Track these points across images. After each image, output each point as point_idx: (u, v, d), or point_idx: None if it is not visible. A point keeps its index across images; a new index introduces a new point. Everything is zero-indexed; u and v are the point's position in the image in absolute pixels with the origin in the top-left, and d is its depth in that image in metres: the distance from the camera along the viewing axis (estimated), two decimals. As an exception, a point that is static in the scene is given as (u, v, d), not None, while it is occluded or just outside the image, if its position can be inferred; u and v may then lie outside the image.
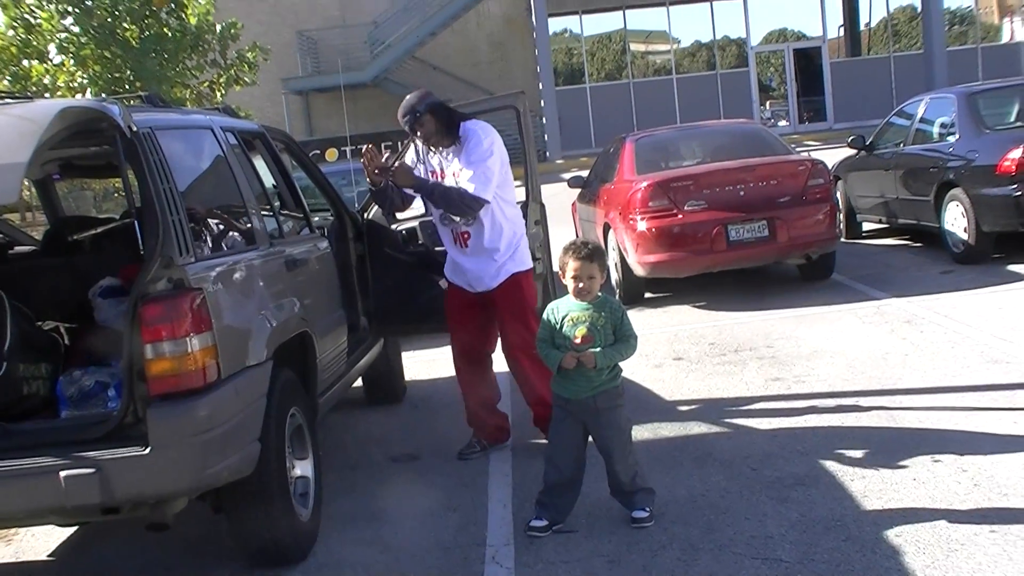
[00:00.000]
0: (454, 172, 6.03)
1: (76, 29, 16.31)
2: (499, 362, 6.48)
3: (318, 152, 29.27)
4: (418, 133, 6.03)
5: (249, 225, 5.35)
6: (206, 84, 17.66)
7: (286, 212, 6.76)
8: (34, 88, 14.78)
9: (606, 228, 11.23)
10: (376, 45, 35.86)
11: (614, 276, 11.08)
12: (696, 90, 35.58)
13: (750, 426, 6.40)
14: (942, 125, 11.53)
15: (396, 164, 6.10)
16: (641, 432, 6.25)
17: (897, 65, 35.97)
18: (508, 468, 6.14)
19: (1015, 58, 36.11)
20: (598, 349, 4.95)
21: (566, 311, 5.07)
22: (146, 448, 4.14)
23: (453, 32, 36.10)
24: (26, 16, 16.35)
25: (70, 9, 16.28)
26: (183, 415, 4.22)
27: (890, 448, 5.68)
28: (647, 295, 10.97)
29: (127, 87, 15.00)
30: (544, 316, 5.17)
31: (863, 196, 13.03)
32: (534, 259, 6.67)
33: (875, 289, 10.05)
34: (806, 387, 7.12)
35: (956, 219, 10.65)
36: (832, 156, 14.32)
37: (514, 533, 5.13)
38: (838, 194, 12.89)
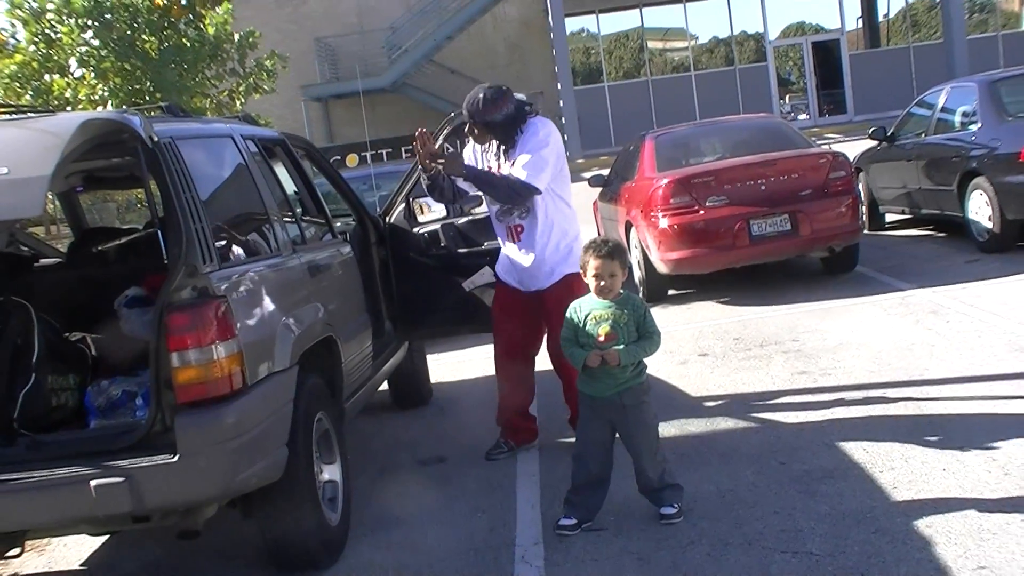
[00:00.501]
0: (510, 163, 6.06)
1: (96, 43, 16.43)
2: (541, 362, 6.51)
3: (339, 158, 29.41)
4: (475, 133, 6.10)
5: (271, 232, 5.37)
6: (225, 93, 17.75)
7: (308, 218, 6.79)
8: (56, 102, 14.89)
9: (628, 226, 11.23)
10: (393, 50, 35.94)
11: (637, 274, 11.07)
12: (715, 86, 35.49)
13: (777, 420, 6.38)
14: (964, 114, 11.46)
15: (447, 151, 6.09)
16: (668, 429, 6.24)
17: (917, 55, 35.77)
18: (535, 468, 6.14)
19: (1036, 45, 35.87)
20: (622, 347, 4.95)
21: (589, 309, 5.07)
22: (175, 456, 4.16)
23: (470, 35, 36.13)
24: (47, 31, 16.48)
25: (90, 23, 16.38)
26: (211, 423, 4.24)
27: (918, 439, 5.66)
28: (671, 292, 10.96)
29: (147, 98, 15.09)
30: (567, 315, 5.17)
31: (885, 187, 12.97)
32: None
33: (900, 280, 10.00)
34: (832, 380, 7.09)
35: (980, 208, 10.59)
36: (853, 148, 14.29)
37: (543, 532, 5.13)
38: (860, 186, 12.84)
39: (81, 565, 5.73)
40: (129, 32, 16.55)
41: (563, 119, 33.59)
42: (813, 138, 13.06)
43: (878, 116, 26.24)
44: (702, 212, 10.11)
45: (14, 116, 4.90)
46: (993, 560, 4.15)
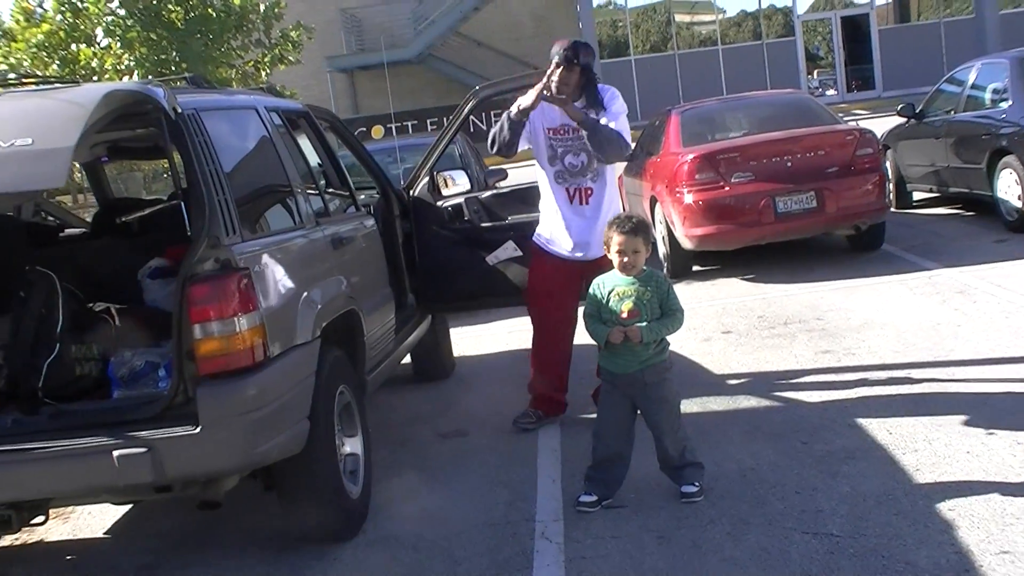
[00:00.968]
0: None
1: (122, 12, 16.45)
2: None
3: (364, 130, 29.42)
4: (566, 77, 5.97)
5: (295, 205, 5.37)
6: (251, 64, 17.74)
7: (332, 191, 6.78)
8: (82, 71, 14.92)
9: (653, 201, 11.18)
10: (419, 22, 35.87)
11: (661, 250, 11.04)
12: (742, 61, 35.25)
13: (800, 399, 6.35)
14: (994, 91, 11.33)
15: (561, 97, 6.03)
16: (690, 406, 6.22)
17: (947, 31, 35.37)
18: (557, 444, 6.14)
19: (1069, 21, 35.44)
20: (644, 324, 4.93)
21: (612, 286, 5.05)
22: (196, 427, 4.18)
23: (496, 7, 36.01)
24: (73, 1, 16.48)
25: (116, -7, 16.42)
26: (232, 394, 4.25)
27: (942, 421, 5.62)
28: (695, 268, 10.91)
29: (173, 68, 15.10)
30: (590, 291, 5.15)
31: (913, 165, 12.85)
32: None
33: (926, 259, 9.92)
34: (856, 359, 7.05)
35: (1009, 187, 10.47)
36: (881, 125, 14.17)
37: (563, 509, 5.13)
38: (887, 163, 12.74)
39: (105, 533, 5.77)
40: (155, 2, 16.56)
41: (589, 92, 33.48)
42: (841, 114, 12.93)
43: (907, 92, 26.02)
44: (727, 188, 10.06)
45: (39, 87, 4.91)
46: (1016, 545, 4.12)
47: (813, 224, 10.24)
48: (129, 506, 5.85)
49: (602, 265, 5.95)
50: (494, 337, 9.10)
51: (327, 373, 4.94)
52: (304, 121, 6.39)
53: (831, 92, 36.48)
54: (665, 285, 5.07)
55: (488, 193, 7.02)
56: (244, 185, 5.03)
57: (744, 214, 10.02)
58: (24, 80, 5.71)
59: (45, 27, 16.28)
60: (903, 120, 13.09)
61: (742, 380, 6.97)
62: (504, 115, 6.13)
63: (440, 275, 7.03)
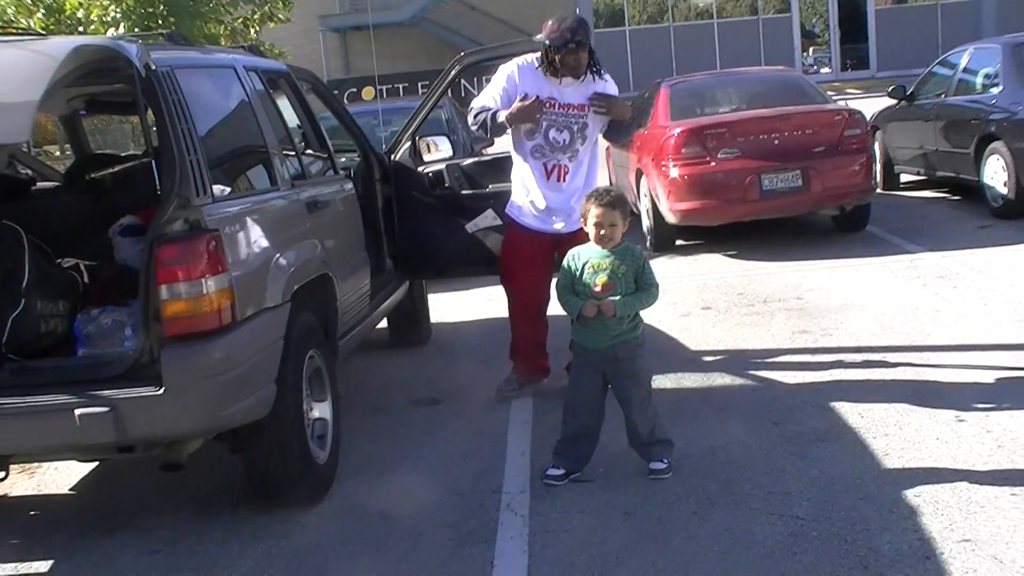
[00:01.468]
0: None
1: (111, -37, 16.21)
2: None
3: (355, 90, 29.19)
4: (579, 58, 5.92)
5: (270, 167, 5.30)
6: (240, 21, 17.53)
7: (310, 153, 6.71)
8: (68, 21, 14.71)
9: (639, 174, 11.13)
10: (415, -17, 35.62)
11: (645, 223, 11.00)
12: (737, 35, 35.14)
13: (774, 379, 6.34)
14: (986, 76, 11.28)
15: (608, 98, 6.05)
16: (663, 382, 6.20)
17: (944, 13, 35.27)
18: (528, 416, 6.11)
19: (1068, 7, 35.34)
20: (618, 297, 4.89)
21: (587, 258, 5.00)
22: (160, 389, 4.14)
23: (493, -28, 35.77)
24: (61, -52, 16.25)
25: (105, -58, 16.17)
26: (197, 357, 4.21)
27: (915, 406, 5.60)
28: (678, 243, 10.87)
29: (160, 22, 14.90)
30: (564, 263, 5.10)
31: (902, 147, 12.81)
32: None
33: (910, 242, 9.90)
34: (833, 340, 7.03)
35: (996, 173, 10.44)
36: (874, 105, 14.11)
37: (531, 481, 5.11)
38: (876, 145, 12.70)
39: (70, 490, 5.74)
40: (145, -46, 16.33)
41: (582, 62, 33.33)
42: (833, 93, 12.90)
43: (901, 73, 25.92)
44: (713, 163, 10.02)
45: (6, 38, 4.82)
46: (978, 533, 4.10)
47: (798, 203, 10.21)
48: (95, 464, 5.82)
49: (578, 239, 5.94)
50: (472, 305, 9.06)
51: (297, 337, 4.89)
52: (284, 82, 6.30)
53: (825, 70, 36.43)
54: (641, 259, 5.02)
55: (469, 160, 6.95)
56: (218, 145, 4.98)
57: (729, 190, 9.98)
58: (-7, 31, 5.64)
59: (31, -26, 16.05)
60: (894, 101, 13.03)
61: (718, 357, 6.95)
62: (490, 113, 6.08)
63: (419, 241, 6.97)
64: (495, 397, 6.40)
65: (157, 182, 4.32)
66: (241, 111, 5.30)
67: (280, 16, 17.91)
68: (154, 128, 4.53)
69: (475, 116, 6.17)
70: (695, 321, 7.87)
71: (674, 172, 10.08)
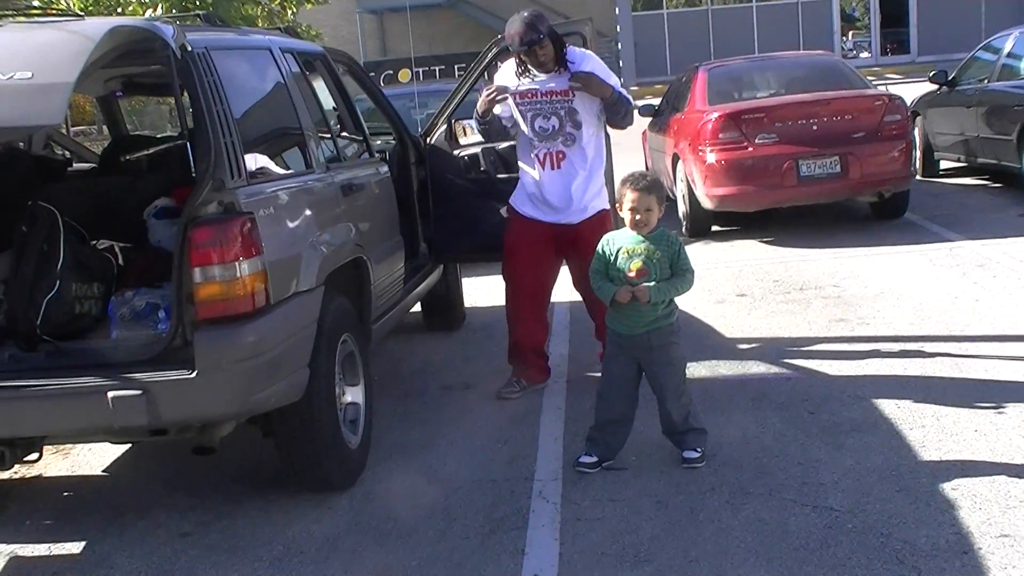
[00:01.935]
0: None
1: (150, -56, 16.25)
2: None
3: (391, 72, 29.17)
4: (538, 56, 5.83)
5: (306, 149, 5.29)
6: (277, 2, 17.55)
7: (345, 136, 6.69)
8: (107, 2, 14.77)
9: (675, 159, 11.05)
10: (453, -35, 35.54)
11: (681, 208, 10.93)
12: (776, 18, 34.85)
13: (810, 368, 6.27)
14: (1030, 61, 11.12)
15: (584, 75, 5.87)
16: (698, 370, 6.15)
17: (988, -4, 34.83)
18: (561, 402, 6.08)
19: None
20: (652, 283, 4.84)
21: (622, 243, 4.96)
22: (193, 372, 4.13)
23: (531, -46, 35.59)
24: (102, -71, 16.30)
25: (144, -77, 16.21)
26: (230, 340, 4.20)
27: (952, 397, 5.53)
28: (714, 228, 10.81)
29: (198, 3, 14.94)
30: (599, 248, 5.06)
31: (942, 133, 12.66)
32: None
33: (948, 230, 9.79)
34: (870, 329, 6.96)
35: (1038, 160, 10.30)
36: (914, 90, 13.95)
37: (563, 469, 5.08)
38: (916, 131, 12.56)
39: (103, 471, 5.76)
40: (184, -65, 16.37)
41: (619, 44, 33.20)
42: (872, 78, 12.75)
43: (942, 58, 25.62)
44: (751, 149, 9.93)
45: (44, 19, 4.82)
46: (1018, 528, 4.04)
47: (836, 189, 10.12)
48: (127, 446, 5.84)
49: (582, 233, 5.90)
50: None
51: (330, 321, 4.88)
52: (320, 64, 6.28)
53: (865, 55, 36.13)
54: (676, 245, 4.97)
55: (505, 144, 6.89)
56: (253, 127, 4.96)
57: (766, 176, 9.90)
58: (30, 11, 5.64)
59: (71, -45, 16.12)
60: (935, 87, 12.86)
61: (753, 345, 6.89)
62: (475, 120, 6.11)
63: (453, 225, 6.94)
64: (497, 397, 6.29)
65: (192, 164, 4.29)
66: (277, 93, 5.28)
67: (317, -2, 17.93)
68: (189, 110, 4.53)
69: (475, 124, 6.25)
70: (730, 308, 7.81)
71: (711, 157, 10.00)
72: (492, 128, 6.19)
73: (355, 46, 33.44)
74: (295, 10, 17.85)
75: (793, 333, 7.06)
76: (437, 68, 31.40)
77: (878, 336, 6.79)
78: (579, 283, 6.21)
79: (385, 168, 6.52)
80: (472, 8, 35.60)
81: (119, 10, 14.40)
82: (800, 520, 4.29)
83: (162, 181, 5.59)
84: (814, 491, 4.55)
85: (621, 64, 33.12)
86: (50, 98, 3.71)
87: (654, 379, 5.00)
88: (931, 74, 12.92)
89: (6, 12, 5.23)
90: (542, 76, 5.94)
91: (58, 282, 4.67)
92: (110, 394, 4.09)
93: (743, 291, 8.29)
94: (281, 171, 5.16)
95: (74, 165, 6.55)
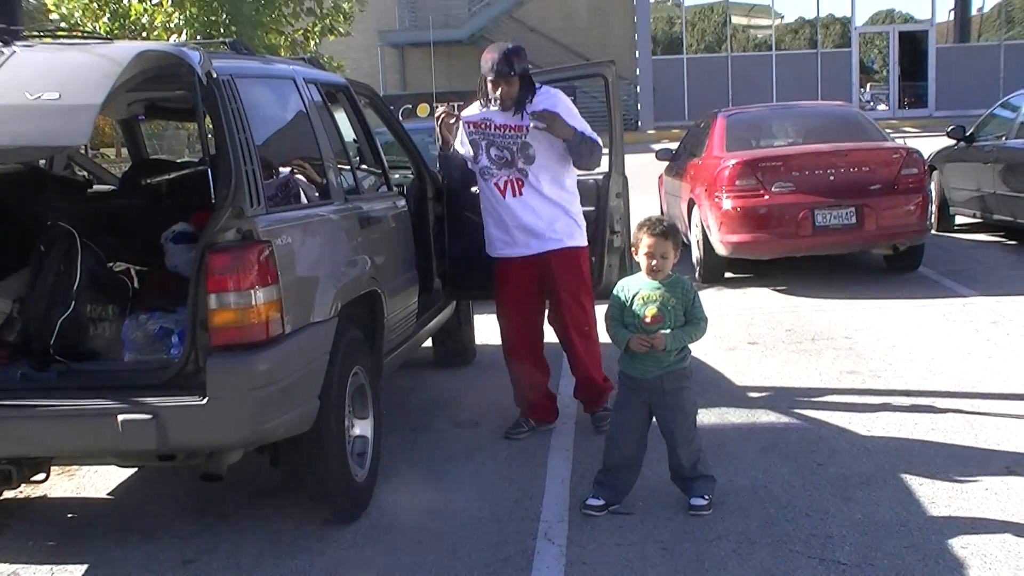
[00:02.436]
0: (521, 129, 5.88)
1: (176, -30, 16.42)
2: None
3: (410, 106, 29.29)
4: (500, 89, 5.81)
5: (324, 180, 5.31)
6: (300, 32, 17.69)
7: (364, 168, 6.71)
8: (132, 26, 14.92)
9: (691, 204, 11.06)
10: (475, 3, 35.76)
11: (695, 254, 10.92)
12: (795, 68, 34.95)
13: (820, 419, 6.24)
14: (1049, 120, 11.14)
15: (549, 115, 5.78)
16: (707, 416, 6.13)
17: (1008, 54, 34.90)
18: (569, 443, 6.06)
19: None
20: (668, 331, 4.83)
21: (637, 289, 4.95)
22: (203, 398, 4.13)
23: (553, -5, 35.86)
24: (129, -45, 16.48)
25: (171, -51, 16.39)
26: (242, 368, 4.20)
27: (964, 454, 5.50)
28: (727, 275, 10.79)
29: (222, 30, 15.07)
30: (614, 292, 5.05)
31: (958, 188, 12.66)
32: (612, 232, 6.56)
33: (962, 285, 9.77)
34: (882, 382, 6.93)
35: (1055, 219, 10.30)
36: (930, 144, 13.97)
37: (569, 510, 5.05)
38: (932, 185, 12.55)
39: (108, 494, 5.74)
40: (210, -38, 16.53)
41: (639, 88, 33.34)
42: (889, 130, 12.77)
43: (960, 113, 25.69)
44: (767, 197, 9.94)
45: (73, 41, 4.86)
46: (1027, 590, 4.01)
47: (851, 240, 10.11)
48: (134, 469, 5.83)
49: (553, 265, 5.90)
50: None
51: (342, 353, 4.88)
52: (343, 95, 6.31)
53: (882, 107, 36.13)
54: (691, 292, 4.96)
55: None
56: (274, 156, 4.99)
57: (782, 224, 9.89)
58: (57, 34, 5.68)
59: (99, -21, 16.28)
60: (952, 142, 12.88)
61: (763, 393, 6.87)
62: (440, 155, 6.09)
63: (469, 261, 6.93)
64: (505, 437, 6.24)
65: (212, 190, 4.31)
66: (298, 123, 5.30)
67: (340, 30, 18.06)
68: (211, 135, 4.55)
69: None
70: (741, 356, 7.79)
71: (727, 204, 10.01)
72: (451, 163, 6.16)
73: (376, 79, 33.62)
74: (318, 41, 17.97)
75: (804, 383, 7.03)
76: (456, 104, 31.53)
77: (890, 389, 6.76)
78: (554, 320, 6.18)
79: (402, 202, 6.54)
80: (493, 45, 35.82)
81: (144, 35, 14.52)
82: (807, 572, 4.26)
83: (181, 206, 5.61)
84: (821, 543, 4.52)
85: (640, 107, 33.24)
86: (76, 119, 3.73)
87: (665, 423, 4.99)
88: (949, 129, 12.95)
89: (34, 34, 5.28)
90: (496, 109, 5.90)
91: (73, 302, 4.70)
92: (120, 417, 4.09)
93: (755, 339, 8.27)
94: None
95: (94, 187, 6.58)
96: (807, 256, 10.43)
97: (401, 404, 6.97)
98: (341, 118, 6.30)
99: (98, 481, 5.87)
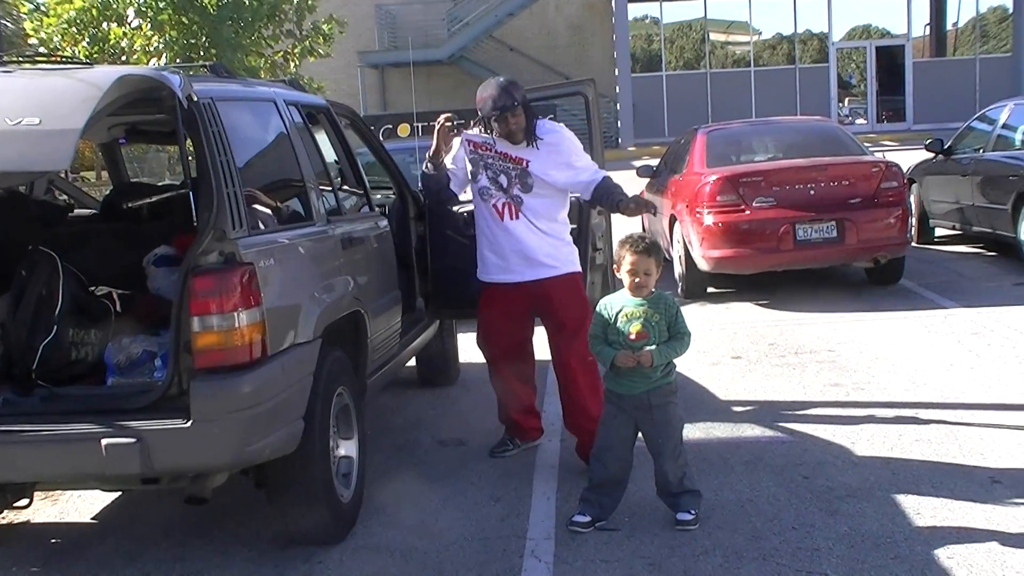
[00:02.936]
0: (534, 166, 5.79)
1: (155, -6, 16.42)
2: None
3: (390, 127, 29.27)
4: (509, 124, 5.71)
5: (306, 201, 5.31)
6: (280, 54, 17.71)
7: (346, 189, 6.71)
8: (111, 51, 14.91)
9: (672, 220, 11.10)
10: (454, 23, 35.82)
11: (677, 270, 10.96)
12: (774, 84, 35.10)
13: (805, 432, 6.26)
14: (1025, 132, 11.22)
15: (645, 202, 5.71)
16: (693, 432, 6.13)
17: (983, 67, 35.15)
18: (555, 460, 6.06)
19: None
20: (654, 347, 4.85)
21: (620, 306, 4.97)
22: (188, 421, 4.11)
23: (532, 14, 35.95)
24: (107, -22, 16.48)
25: (150, -26, 16.40)
26: (226, 390, 4.19)
27: (948, 465, 5.53)
28: (710, 290, 10.83)
29: (202, 54, 15.09)
30: (597, 310, 5.07)
31: (938, 201, 12.74)
32: (594, 249, 6.57)
33: (944, 298, 9.82)
34: (865, 395, 6.96)
35: (1033, 230, 10.36)
36: (909, 158, 14.05)
37: (556, 527, 5.05)
38: (912, 198, 12.63)
39: (92, 519, 5.71)
40: (189, -14, 16.55)
41: (618, 105, 33.42)
42: (868, 144, 12.86)
43: (937, 127, 25.83)
44: (748, 212, 9.98)
45: (53, 65, 4.86)
46: (1013, 599, 4.03)
47: (832, 254, 10.16)
48: (118, 493, 5.80)
49: (549, 291, 5.83)
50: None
51: (326, 374, 4.87)
52: (324, 117, 6.31)
53: (861, 121, 36.31)
54: (674, 308, 4.98)
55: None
56: (256, 178, 4.99)
57: (763, 239, 9.94)
58: (36, 59, 5.67)
59: (78, 3, 16.27)
60: (931, 155, 12.97)
61: (748, 408, 6.88)
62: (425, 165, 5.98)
63: (451, 281, 6.93)
64: (490, 455, 6.24)
65: (194, 213, 4.31)
66: (280, 145, 5.31)
67: (320, 51, 18.09)
68: (192, 159, 4.55)
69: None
70: (725, 370, 7.81)
71: (708, 219, 10.05)
72: (431, 181, 6.02)
73: (356, 100, 33.62)
74: (298, 63, 17.99)
75: (788, 397, 7.05)
76: (458, 121, 31.50)
77: (873, 402, 6.78)
78: (555, 355, 5.95)
79: (384, 222, 6.53)
80: (473, 66, 35.80)
81: (124, 59, 14.51)
82: (794, 586, 4.27)
83: (162, 229, 5.60)
84: (808, 557, 4.53)
85: (620, 125, 33.34)
86: (57, 144, 3.73)
87: (651, 439, 5.00)
88: (927, 142, 13.04)
89: (14, 59, 5.27)
90: (507, 147, 5.81)
91: (55, 327, 4.68)
92: (104, 441, 4.07)
93: (738, 353, 8.29)
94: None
95: (75, 211, 6.57)
96: (789, 270, 10.47)
97: (386, 424, 6.96)
98: (322, 139, 6.30)
99: (82, 506, 5.85)
